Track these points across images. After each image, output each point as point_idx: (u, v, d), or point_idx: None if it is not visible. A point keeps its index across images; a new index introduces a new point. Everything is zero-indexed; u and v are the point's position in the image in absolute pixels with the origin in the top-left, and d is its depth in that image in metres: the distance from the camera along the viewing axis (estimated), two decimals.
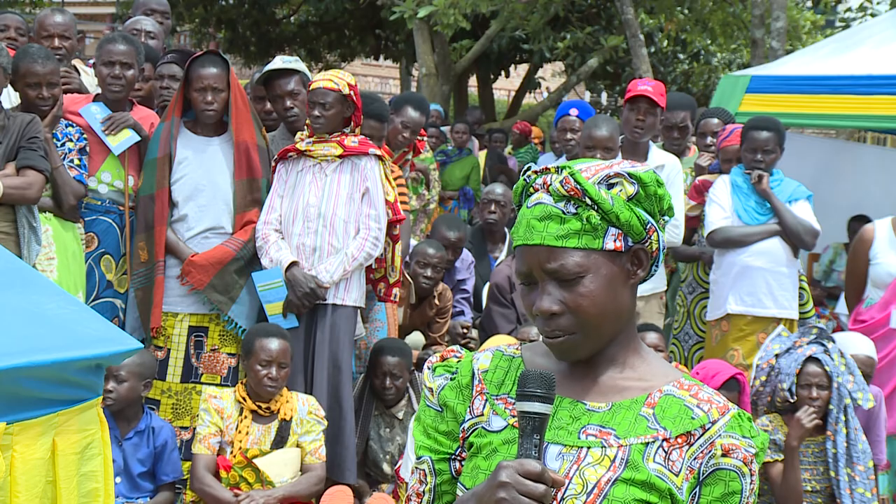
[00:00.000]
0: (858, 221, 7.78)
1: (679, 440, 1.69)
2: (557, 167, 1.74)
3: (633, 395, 1.74)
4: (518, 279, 1.76)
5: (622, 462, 1.68)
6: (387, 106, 5.64)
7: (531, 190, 1.75)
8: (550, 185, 1.71)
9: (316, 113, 4.85)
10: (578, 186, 1.69)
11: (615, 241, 1.70)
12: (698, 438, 1.69)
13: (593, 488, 1.66)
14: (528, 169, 1.77)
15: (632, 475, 1.67)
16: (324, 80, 4.88)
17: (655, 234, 1.74)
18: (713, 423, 1.70)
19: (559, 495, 1.67)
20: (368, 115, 5.26)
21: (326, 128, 4.89)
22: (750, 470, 1.69)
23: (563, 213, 1.69)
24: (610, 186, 1.71)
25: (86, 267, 4.89)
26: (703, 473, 1.68)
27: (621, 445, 1.69)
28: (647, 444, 1.69)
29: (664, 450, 1.68)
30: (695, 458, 1.69)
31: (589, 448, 1.70)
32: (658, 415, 1.71)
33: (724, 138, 5.96)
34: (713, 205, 5.64)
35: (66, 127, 4.84)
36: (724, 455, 1.68)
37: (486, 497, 1.60)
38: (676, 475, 1.68)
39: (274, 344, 4.49)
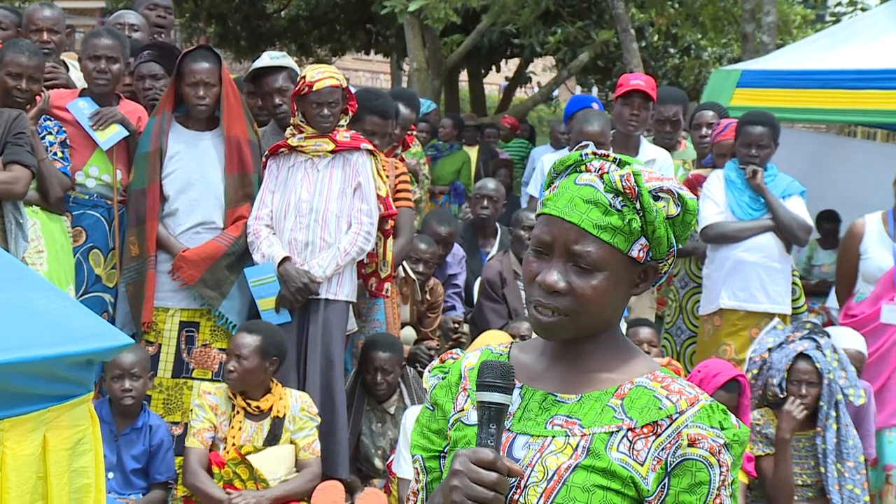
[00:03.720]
0: (828, 218, 7.79)
1: (645, 430, 1.69)
2: (617, 158, 1.75)
3: (605, 386, 1.75)
4: (533, 245, 1.75)
5: (584, 450, 1.69)
6: (392, 102, 5.48)
7: (582, 167, 1.75)
8: (607, 172, 1.73)
9: (326, 112, 4.81)
10: (636, 188, 1.70)
11: (640, 251, 1.72)
12: (665, 429, 1.69)
13: (553, 475, 1.68)
14: (587, 146, 1.77)
15: (592, 462, 1.68)
16: (327, 78, 4.81)
17: (673, 258, 1.77)
18: (681, 413, 1.70)
19: (522, 483, 1.68)
20: (372, 111, 5.19)
21: (334, 125, 4.87)
22: (719, 461, 1.68)
23: (610, 205, 1.70)
24: (656, 199, 1.73)
25: (74, 261, 4.87)
26: (671, 464, 1.68)
27: (584, 434, 1.70)
28: (612, 433, 1.70)
29: (629, 439, 1.69)
30: (662, 449, 1.69)
31: (553, 437, 1.71)
32: (626, 405, 1.72)
33: (719, 133, 5.93)
34: (707, 200, 5.63)
35: (45, 121, 4.82)
36: (690, 445, 1.68)
37: (444, 486, 1.64)
38: (641, 464, 1.68)
39: (236, 337, 4.49)
